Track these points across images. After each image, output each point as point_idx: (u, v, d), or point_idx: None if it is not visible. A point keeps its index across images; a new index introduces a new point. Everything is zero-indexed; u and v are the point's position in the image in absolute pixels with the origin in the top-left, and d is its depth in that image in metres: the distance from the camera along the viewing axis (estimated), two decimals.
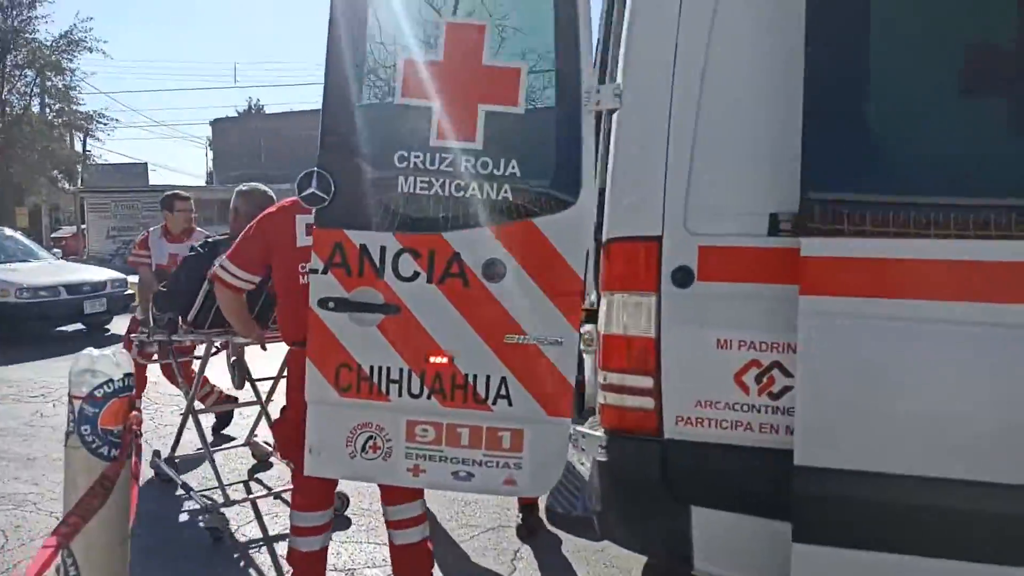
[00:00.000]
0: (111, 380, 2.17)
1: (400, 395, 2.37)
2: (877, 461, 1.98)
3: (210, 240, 4.30)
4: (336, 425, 2.44)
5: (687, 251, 2.17)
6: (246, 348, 4.28)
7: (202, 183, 39.98)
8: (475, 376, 2.34)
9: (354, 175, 2.36)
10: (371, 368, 2.38)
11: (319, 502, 2.96)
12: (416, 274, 2.34)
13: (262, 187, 4.08)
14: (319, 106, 2.37)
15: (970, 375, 1.95)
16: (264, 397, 4.77)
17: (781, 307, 2.08)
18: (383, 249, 2.35)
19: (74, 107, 28.32)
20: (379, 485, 3.00)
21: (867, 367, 2.00)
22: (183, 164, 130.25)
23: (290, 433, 2.82)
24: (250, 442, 5.06)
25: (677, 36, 2.19)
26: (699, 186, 2.17)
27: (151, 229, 5.81)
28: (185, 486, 4.23)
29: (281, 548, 3.57)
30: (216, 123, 43.62)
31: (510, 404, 2.33)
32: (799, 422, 2.02)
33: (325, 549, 3.02)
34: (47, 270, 10.94)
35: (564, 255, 2.29)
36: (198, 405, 4.72)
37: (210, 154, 43.96)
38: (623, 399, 2.28)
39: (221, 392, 5.35)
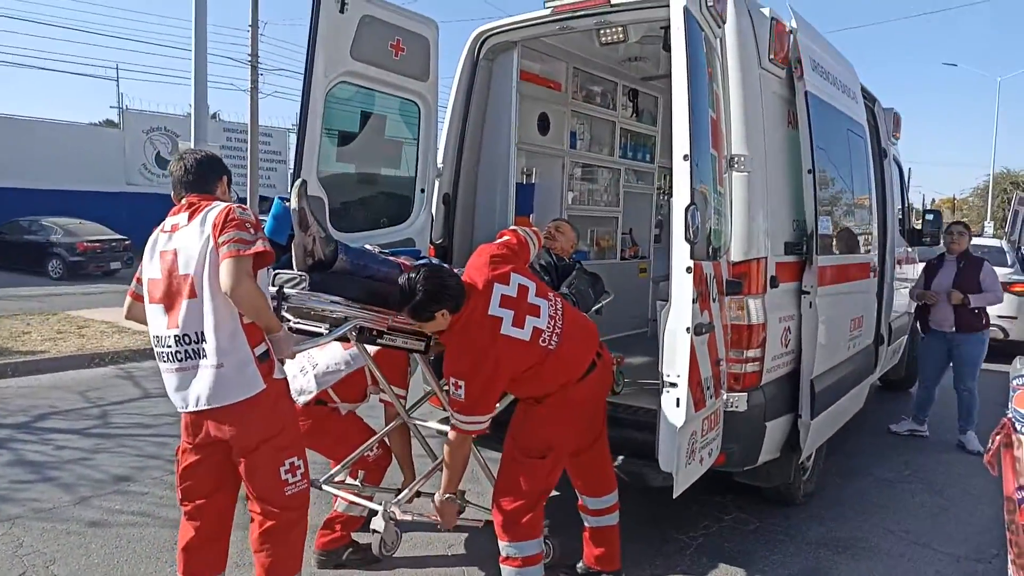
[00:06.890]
0: None
1: (710, 399, 2.78)
2: (829, 362, 3.86)
3: None
4: (684, 441, 2.61)
5: (772, 266, 3.47)
6: None
7: None
8: (723, 369, 2.99)
9: (704, 212, 2.60)
10: (703, 379, 2.69)
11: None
12: (714, 295, 2.80)
13: None
14: None
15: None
16: None
17: (790, 294, 3.67)
18: (709, 276, 2.70)
19: None
20: (574, 479, 3.04)
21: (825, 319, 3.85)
22: None
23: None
24: None
25: (764, 125, 3.42)
26: (770, 223, 3.49)
27: None
28: None
29: None
30: None
31: (724, 388, 3.09)
32: (816, 354, 3.67)
33: None
34: None
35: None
36: None
37: None
38: (755, 366, 3.38)
39: None
